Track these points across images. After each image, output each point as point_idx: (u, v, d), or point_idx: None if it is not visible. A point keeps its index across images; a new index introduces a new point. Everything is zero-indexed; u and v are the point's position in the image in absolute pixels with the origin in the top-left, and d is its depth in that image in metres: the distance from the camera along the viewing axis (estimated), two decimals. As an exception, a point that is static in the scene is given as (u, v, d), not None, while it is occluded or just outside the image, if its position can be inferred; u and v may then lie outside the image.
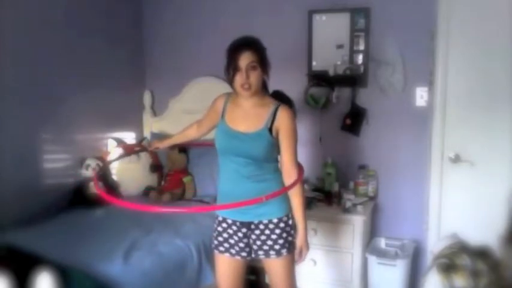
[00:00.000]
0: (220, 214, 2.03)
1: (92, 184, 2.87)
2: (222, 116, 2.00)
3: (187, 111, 3.20)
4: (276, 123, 1.90)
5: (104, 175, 3.02)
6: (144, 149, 3.08)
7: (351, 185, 3.00)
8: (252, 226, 1.96)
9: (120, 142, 3.32)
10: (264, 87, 1.98)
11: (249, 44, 1.87)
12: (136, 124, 3.59)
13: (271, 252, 1.95)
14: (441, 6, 2.67)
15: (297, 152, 1.94)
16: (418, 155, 2.89)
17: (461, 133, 2.71)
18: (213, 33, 3.27)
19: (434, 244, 2.75)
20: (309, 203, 2.79)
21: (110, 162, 2.99)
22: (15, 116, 2.57)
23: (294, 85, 2.92)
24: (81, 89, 3.01)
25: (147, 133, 3.59)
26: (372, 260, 2.74)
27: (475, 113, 2.66)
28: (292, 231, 1.98)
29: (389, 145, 2.96)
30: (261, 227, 1.95)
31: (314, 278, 2.84)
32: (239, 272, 2.05)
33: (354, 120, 2.98)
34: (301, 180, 1.94)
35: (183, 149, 3.19)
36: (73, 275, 1.81)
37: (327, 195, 2.95)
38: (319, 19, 3.01)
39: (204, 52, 3.34)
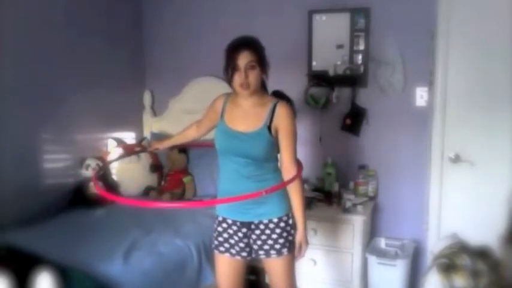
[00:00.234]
0: (220, 214, 2.04)
1: (92, 184, 2.88)
2: (222, 116, 2.00)
3: (187, 111, 3.20)
4: (274, 121, 1.90)
5: (104, 175, 3.03)
6: (143, 149, 3.08)
7: (351, 185, 3.00)
8: (252, 226, 1.96)
9: (120, 142, 3.32)
10: (263, 86, 1.99)
11: (248, 43, 1.88)
12: (136, 124, 3.59)
13: (272, 251, 1.95)
14: (441, 6, 2.67)
15: (296, 149, 1.94)
16: (418, 155, 2.89)
17: (461, 133, 2.71)
18: (213, 33, 3.27)
19: (434, 244, 2.76)
20: (309, 203, 2.79)
21: (110, 162, 2.99)
22: (15, 116, 2.57)
23: (294, 85, 2.93)
24: (81, 89, 3.01)
25: (147, 133, 3.59)
26: (372, 260, 2.74)
27: (475, 113, 2.66)
28: (292, 231, 1.98)
29: (389, 145, 2.96)
30: (261, 227, 1.95)
31: (314, 278, 2.84)
32: (239, 272, 2.05)
33: (354, 120, 2.98)
34: (300, 175, 1.95)
35: (183, 149, 3.19)
36: (73, 275, 1.81)
37: (327, 195, 2.95)
38: (319, 19, 3.01)
39: (204, 52, 3.34)
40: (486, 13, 2.58)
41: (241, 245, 2.00)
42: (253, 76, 1.86)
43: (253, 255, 2.02)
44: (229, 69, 1.87)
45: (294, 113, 1.95)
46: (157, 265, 2.13)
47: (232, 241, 2.00)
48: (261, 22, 3.08)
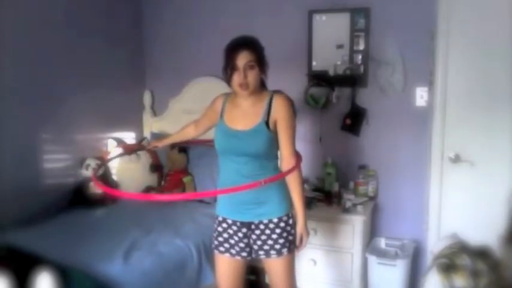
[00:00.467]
0: (220, 214, 2.04)
1: (92, 184, 2.88)
2: (221, 116, 2.00)
3: (187, 111, 3.20)
4: (272, 114, 1.90)
5: (104, 175, 3.02)
6: (142, 147, 3.09)
7: (351, 185, 3.00)
8: (252, 226, 1.96)
9: (120, 142, 3.32)
10: (263, 86, 1.99)
11: (247, 43, 1.88)
12: (136, 124, 3.59)
13: (272, 251, 1.95)
14: (441, 6, 2.67)
15: (295, 141, 1.95)
16: (418, 155, 2.89)
17: (461, 133, 2.71)
18: (213, 33, 3.27)
19: (434, 244, 2.75)
20: (309, 203, 2.79)
21: (109, 160, 2.99)
22: (15, 116, 2.57)
23: (294, 85, 2.93)
24: (81, 89, 3.01)
25: (147, 133, 3.59)
26: (372, 260, 2.74)
27: (475, 113, 2.66)
28: (292, 231, 1.98)
29: (389, 145, 2.96)
30: (261, 227, 1.95)
31: (314, 278, 2.84)
32: (239, 272, 2.05)
33: (354, 120, 2.98)
34: (299, 167, 1.95)
35: (183, 149, 3.19)
36: (73, 275, 1.81)
37: (327, 195, 2.95)
38: (319, 19, 3.01)
39: (204, 52, 3.34)
40: (486, 13, 2.58)
41: (241, 245, 2.00)
42: (252, 76, 1.86)
43: (253, 255, 2.02)
44: (228, 69, 1.87)
45: (291, 103, 1.95)
46: (157, 265, 2.13)
47: (232, 241, 2.00)
48: (261, 22, 3.08)
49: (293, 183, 1.96)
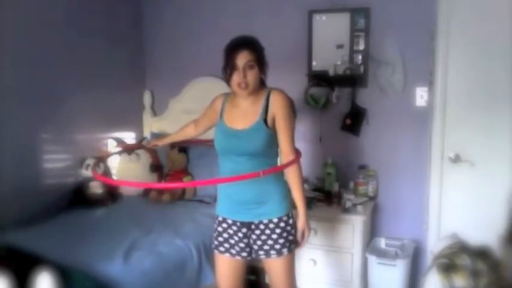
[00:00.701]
0: (220, 214, 2.04)
1: (92, 184, 2.88)
2: (221, 116, 2.00)
3: (187, 111, 3.20)
4: (270, 110, 1.90)
5: (103, 174, 3.02)
6: (142, 146, 3.09)
7: (351, 185, 3.00)
8: (252, 226, 1.96)
9: (120, 142, 3.32)
10: (263, 85, 1.99)
11: (247, 43, 1.88)
12: (136, 124, 3.59)
13: (272, 252, 1.95)
14: (441, 6, 2.67)
15: (294, 137, 1.95)
16: (418, 155, 2.89)
17: (461, 133, 2.71)
18: (213, 33, 3.27)
19: (434, 244, 2.75)
20: (309, 203, 2.78)
21: (108, 155, 2.98)
22: (15, 116, 2.57)
23: (294, 85, 2.93)
24: (81, 89, 3.01)
25: (147, 133, 3.59)
26: (372, 260, 2.74)
27: (475, 113, 2.66)
28: (292, 231, 1.98)
29: (389, 145, 2.96)
30: (261, 227, 1.95)
31: (314, 278, 2.84)
32: (239, 272, 2.05)
33: (354, 120, 2.98)
34: (298, 161, 1.95)
35: (183, 149, 3.19)
36: (73, 275, 1.81)
37: (327, 195, 2.95)
38: (319, 19, 3.01)
39: (204, 52, 3.34)
40: (486, 13, 2.58)
41: (241, 245, 2.00)
42: (252, 76, 1.86)
43: (253, 256, 2.02)
44: (228, 68, 1.88)
45: (289, 99, 1.95)
46: (157, 265, 2.13)
47: (232, 241, 2.00)
48: (261, 22, 3.08)
49: (293, 178, 1.96)
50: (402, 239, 2.94)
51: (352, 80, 2.94)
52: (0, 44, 2.47)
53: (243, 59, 1.85)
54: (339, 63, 2.97)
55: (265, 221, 1.94)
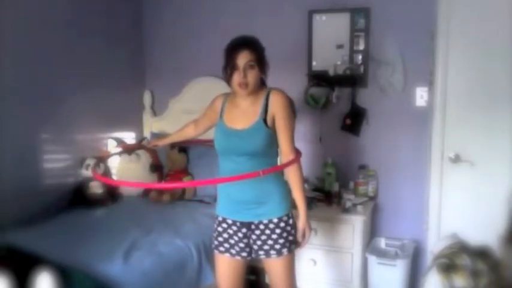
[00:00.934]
0: (220, 214, 2.04)
1: (92, 184, 2.88)
2: (221, 116, 2.00)
3: (187, 111, 3.20)
4: (269, 110, 1.90)
5: (104, 175, 3.02)
6: (142, 146, 3.09)
7: (351, 185, 3.00)
8: (252, 226, 1.96)
9: (120, 142, 3.32)
10: (263, 85, 1.99)
11: (248, 43, 1.88)
12: (136, 124, 3.59)
13: (272, 252, 1.95)
14: (441, 6, 2.67)
15: (294, 136, 1.95)
16: (418, 155, 2.89)
17: (461, 133, 2.71)
18: (213, 33, 3.27)
19: (434, 244, 2.75)
20: (309, 203, 2.77)
21: (108, 156, 2.98)
22: (15, 116, 2.57)
23: (294, 85, 2.93)
24: (81, 89, 3.01)
25: (147, 133, 3.59)
26: (372, 260, 2.74)
27: (475, 113, 2.66)
28: (292, 231, 1.98)
29: (389, 145, 2.96)
30: (261, 227, 1.95)
31: (314, 278, 2.84)
32: (239, 272, 2.05)
33: (354, 120, 2.98)
34: (299, 160, 1.95)
35: (183, 149, 3.19)
36: (73, 275, 1.81)
37: (327, 195, 2.95)
38: (319, 19, 3.01)
39: (204, 52, 3.34)
40: (486, 13, 2.58)
41: (241, 245, 2.00)
42: (252, 76, 1.87)
43: (253, 256, 2.02)
44: (228, 68, 1.88)
45: (288, 99, 1.95)
46: (157, 265, 2.13)
47: (232, 241, 2.00)
48: (261, 22, 3.08)
49: (293, 178, 1.96)
50: (402, 239, 2.94)
51: (352, 80, 2.94)
52: (0, 44, 2.47)
53: (243, 58, 1.85)
54: (339, 63, 2.96)
55: (265, 221, 1.94)
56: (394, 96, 2.90)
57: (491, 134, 2.62)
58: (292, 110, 1.95)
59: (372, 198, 2.99)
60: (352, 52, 2.95)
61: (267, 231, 1.94)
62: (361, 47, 2.93)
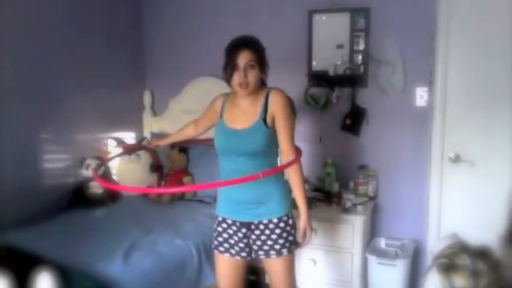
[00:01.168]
0: (220, 214, 2.04)
1: (92, 184, 2.88)
2: (221, 116, 2.00)
3: (187, 111, 3.20)
4: (269, 110, 1.90)
5: (104, 175, 3.02)
6: (143, 147, 3.09)
7: (351, 185, 3.00)
8: (252, 226, 1.96)
9: (120, 142, 3.32)
10: (263, 85, 1.99)
11: (248, 43, 1.89)
12: (136, 124, 3.59)
13: (272, 252, 1.95)
14: (441, 6, 2.67)
15: (294, 135, 1.95)
16: (418, 155, 2.89)
17: (461, 133, 2.71)
18: (213, 33, 3.27)
19: (434, 244, 2.75)
20: (309, 203, 2.77)
21: (109, 159, 2.99)
22: (15, 116, 2.57)
23: (294, 85, 2.93)
24: (81, 89, 3.01)
25: (147, 133, 3.59)
26: (372, 260, 2.74)
27: (475, 113, 2.66)
28: (292, 231, 1.98)
29: (389, 145, 2.96)
30: (261, 227, 1.95)
31: (314, 278, 2.84)
32: (239, 272, 2.05)
33: (354, 120, 2.98)
34: (299, 160, 1.95)
35: (183, 149, 3.19)
36: (73, 275, 1.81)
37: (327, 195, 2.95)
38: (319, 19, 3.01)
39: (204, 52, 3.34)
40: (486, 13, 2.58)
41: (241, 245, 2.00)
42: (252, 76, 1.87)
43: (253, 256, 2.02)
44: (229, 68, 1.88)
45: (288, 98, 1.95)
46: (157, 265, 2.13)
47: (232, 241, 2.00)
48: (261, 22, 3.08)
49: (294, 178, 1.96)
50: (402, 239, 2.94)
51: (352, 80, 2.94)
52: (0, 44, 2.47)
53: (244, 58, 1.85)
54: (339, 63, 2.96)
55: (265, 221, 1.94)
56: (394, 96, 2.90)
57: (491, 134, 2.62)
58: (292, 110, 1.95)
59: (372, 198, 2.99)
60: (352, 52, 2.95)
61: (267, 231, 1.94)
62: (361, 47, 2.93)
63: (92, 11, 3.10)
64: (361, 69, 2.95)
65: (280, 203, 1.95)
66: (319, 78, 3.02)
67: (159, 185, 3.23)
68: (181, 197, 3.08)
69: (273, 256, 1.95)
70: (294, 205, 2.01)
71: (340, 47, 2.97)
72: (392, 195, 3.00)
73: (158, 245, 2.27)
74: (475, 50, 2.63)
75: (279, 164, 2.00)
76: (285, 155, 1.93)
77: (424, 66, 2.80)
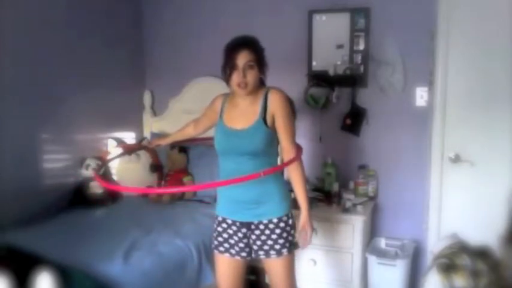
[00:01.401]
0: (220, 214, 2.04)
1: (92, 184, 2.88)
2: (220, 116, 2.00)
3: (187, 111, 3.20)
4: (269, 109, 1.91)
5: (104, 175, 3.02)
6: (143, 147, 3.09)
7: (351, 185, 3.00)
8: (252, 226, 1.96)
9: (120, 142, 3.32)
10: (262, 85, 1.99)
11: (247, 43, 1.89)
12: (136, 124, 3.59)
13: (272, 252, 1.95)
14: (441, 6, 2.67)
15: (295, 133, 1.95)
16: (418, 155, 2.89)
17: (461, 133, 2.71)
18: (213, 33, 3.27)
19: (434, 244, 2.75)
20: (309, 203, 2.78)
21: (110, 160, 2.99)
22: (15, 116, 2.57)
23: (294, 85, 2.93)
24: (81, 89, 3.01)
25: (147, 133, 3.59)
26: (372, 260, 2.74)
27: (475, 113, 2.66)
28: (292, 231, 1.98)
29: (389, 145, 2.96)
30: (261, 227, 1.95)
31: (314, 278, 2.84)
32: (239, 272, 2.05)
33: (354, 120, 2.98)
34: (299, 158, 1.95)
35: (183, 148, 3.19)
36: (73, 275, 1.81)
37: (327, 195, 2.95)
38: (319, 19, 3.01)
39: (204, 52, 3.34)
40: (486, 13, 2.58)
41: (241, 245, 2.00)
42: (252, 76, 1.87)
43: (253, 256, 2.02)
44: (228, 68, 1.88)
45: (287, 97, 1.95)
46: (157, 265, 2.13)
47: (232, 241, 2.00)
48: (261, 22, 3.08)
49: (295, 176, 1.96)
50: (402, 239, 2.94)
51: (352, 80, 2.94)
52: (0, 44, 2.47)
53: (243, 58, 1.85)
54: (339, 63, 2.97)
55: (265, 221, 1.94)
56: (394, 96, 2.90)
57: (491, 134, 2.62)
58: (291, 109, 1.95)
59: (372, 198, 2.99)
60: (352, 52, 2.95)
61: (267, 231, 1.94)
62: (361, 47, 2.93)
63: (92, 11, 3.10)
64: (361, 69, 2.95)
65: (280, 203, 1.95)
66: (319, 78, 3.02)
67: (159, 185, 3.23)
68: (181, 197, 3.08)
69: (273, 256, 1.95)
70: (294, 205, 2.01)
71: (340, 47, 2.97)
72: (392, 195, 3.00)
73: (158, 245, 2.27)
74: (475, 50, 2.63)
75: (279, 164, 2.00)
76: (285, 153, 1.93)
77: (424, 66, 2.80)
